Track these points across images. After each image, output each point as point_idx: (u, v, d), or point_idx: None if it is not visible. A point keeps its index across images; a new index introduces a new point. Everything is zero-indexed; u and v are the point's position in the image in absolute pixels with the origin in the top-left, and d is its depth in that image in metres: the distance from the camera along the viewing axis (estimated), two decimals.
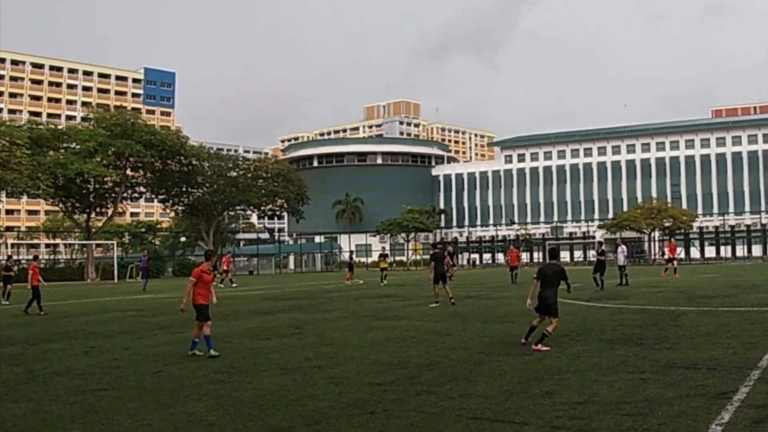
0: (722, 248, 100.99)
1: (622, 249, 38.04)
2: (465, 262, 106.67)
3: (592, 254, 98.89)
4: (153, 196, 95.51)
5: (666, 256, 51.27)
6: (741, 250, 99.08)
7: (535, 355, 13.61)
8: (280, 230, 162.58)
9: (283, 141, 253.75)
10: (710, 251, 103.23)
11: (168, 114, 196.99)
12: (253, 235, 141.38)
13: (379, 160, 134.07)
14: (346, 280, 51.56)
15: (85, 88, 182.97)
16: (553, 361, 12.86)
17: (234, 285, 48.59)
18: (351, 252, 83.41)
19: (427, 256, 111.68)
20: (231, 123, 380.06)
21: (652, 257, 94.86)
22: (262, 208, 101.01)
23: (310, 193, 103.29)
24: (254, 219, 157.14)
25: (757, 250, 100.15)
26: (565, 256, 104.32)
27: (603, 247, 36.48)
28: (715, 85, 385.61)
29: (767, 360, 12.25)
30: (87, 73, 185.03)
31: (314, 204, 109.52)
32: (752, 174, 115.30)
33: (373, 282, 49.90)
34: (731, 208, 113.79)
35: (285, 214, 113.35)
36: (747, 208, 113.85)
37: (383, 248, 63.19)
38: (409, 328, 19.02)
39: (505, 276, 47.44)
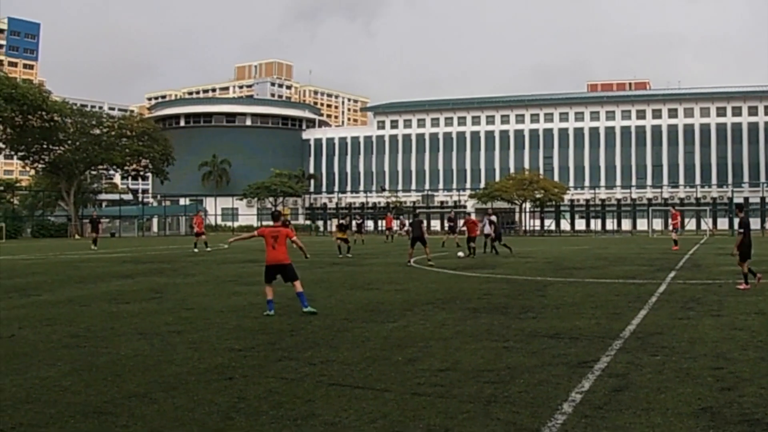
0: (592, 221, 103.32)
1: (491, 219, 39.56)
2: (334, 228, 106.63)
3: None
4: (12, 152, 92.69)
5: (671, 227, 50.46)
6: (611, 224, 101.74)
7: (400, 323, 13.73)
8: (144, 192, 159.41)
9: (149, 99, 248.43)
10: (580, 224, 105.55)
11: (31, 67, 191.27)
12: (116, 196, 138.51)
13: (249, 122, 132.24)
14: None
15: None
16: (417, 329, 12.98)
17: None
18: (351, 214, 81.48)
19: (295, 221, 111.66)
20: (97, 79, 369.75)
21: (523, 228, 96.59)
22: (126, 167, 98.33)
23: (176, 154, 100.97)
24: (117, 179, 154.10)
25: (626, 224, 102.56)
26: (435, 225, 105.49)
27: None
28: (588, 59, 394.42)
29: (629, 331, 12.60)
30: None
31: (180, 165, 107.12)
32: (624, 149, 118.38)
33: (237, 247, 49.47)
34: (602, 182, 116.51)
35: (149, 174, 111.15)
36: (618, 182, 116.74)
37: (353, 217, 57.66)
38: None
39: (372, 242, 47.75)
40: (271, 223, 16.73)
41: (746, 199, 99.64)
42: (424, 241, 31.07)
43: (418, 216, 31.93)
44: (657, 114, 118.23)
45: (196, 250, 44.30)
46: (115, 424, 7.26)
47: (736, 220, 22.36)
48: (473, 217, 39.74)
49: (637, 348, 10.96)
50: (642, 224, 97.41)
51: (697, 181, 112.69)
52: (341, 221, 41.93)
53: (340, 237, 38.57)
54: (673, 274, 24.31)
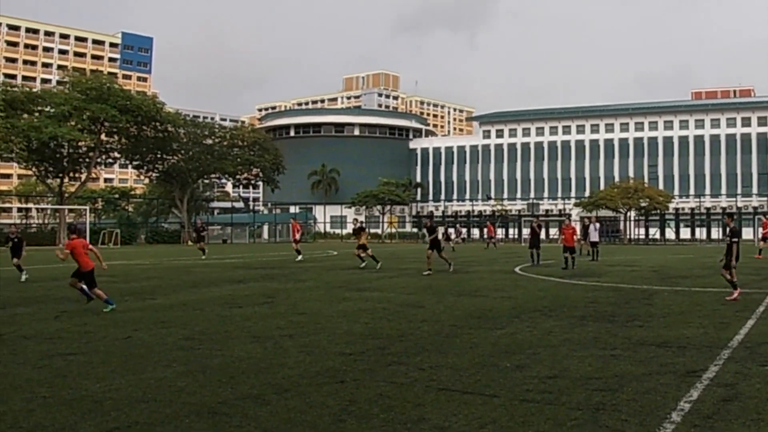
0: (697, 230, 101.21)
1: (595, 226, 39.85)
2: (440, 236, 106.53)
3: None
4: (127, 161, 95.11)
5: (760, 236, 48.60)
6: (716, 233, 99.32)
7: (507, 329, 13.65)
8: (255, 200, 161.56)
9: (260, 110, 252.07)
10: (685, 232, 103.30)
11: (144, 80, 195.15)
12: (228, 204, 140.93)
13: (357, 132, 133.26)
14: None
15: (62, 52, 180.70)
16: (525, 336, 12.89)
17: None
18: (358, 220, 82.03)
19: (402, 229, 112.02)
20: (208, 91, 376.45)
21: (627, 237, 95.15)
22: (238, 176, 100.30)
23: (286, 163, 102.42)
24: (229, 188, 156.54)
25: None
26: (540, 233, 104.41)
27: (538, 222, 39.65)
28: (691, 67, 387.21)
29: (738, 340, 12.32)
30: (63, 36, 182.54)
31: (290, 174, 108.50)
32: (729, 157, 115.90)
33: (346, 253, 49.66)
34: (707, 191, 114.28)
35: (260, 183, 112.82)
36: (723, 191, 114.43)
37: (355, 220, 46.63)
38: (382, 300, 19.00)
39: (479, 250, 47.52)
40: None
41: None
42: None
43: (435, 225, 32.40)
44: (762, 121, 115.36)
45: (300, 258, 40.95)
46: (229, 424, 7.41)
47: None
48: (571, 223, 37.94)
49: (746, 358, 10.73)
50: (747, 233, 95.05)
51: None
52: (353, 224, 38.80)
53: (359, 243, 34.93)
54: None
